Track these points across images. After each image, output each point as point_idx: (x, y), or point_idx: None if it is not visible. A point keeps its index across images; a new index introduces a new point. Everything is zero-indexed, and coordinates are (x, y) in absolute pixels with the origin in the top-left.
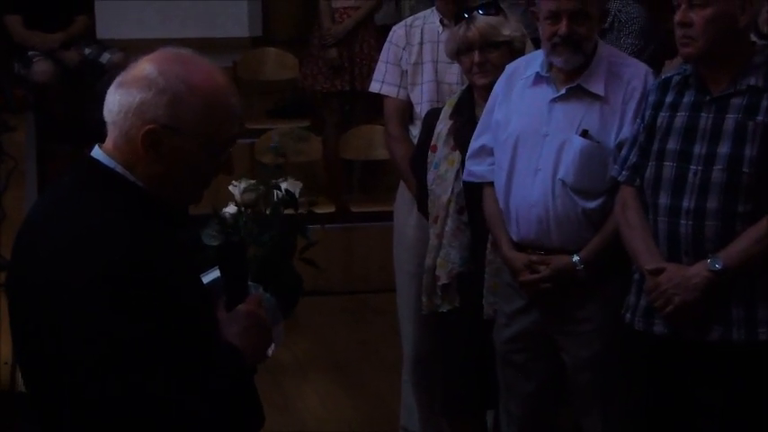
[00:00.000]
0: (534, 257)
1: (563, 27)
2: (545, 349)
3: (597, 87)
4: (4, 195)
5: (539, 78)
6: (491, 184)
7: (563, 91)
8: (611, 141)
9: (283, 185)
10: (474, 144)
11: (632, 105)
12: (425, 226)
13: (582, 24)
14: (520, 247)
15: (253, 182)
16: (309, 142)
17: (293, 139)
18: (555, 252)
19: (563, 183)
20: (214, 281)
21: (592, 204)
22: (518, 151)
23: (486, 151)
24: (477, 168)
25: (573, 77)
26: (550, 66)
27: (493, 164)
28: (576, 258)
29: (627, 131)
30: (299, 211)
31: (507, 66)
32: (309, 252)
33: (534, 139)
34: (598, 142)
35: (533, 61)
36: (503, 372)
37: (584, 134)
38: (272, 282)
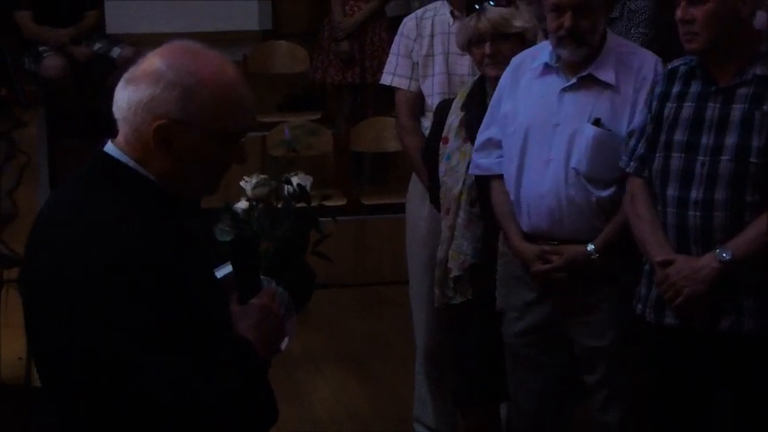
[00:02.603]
0: (546, 248)
1: (567, 20)
2: (557, 342)
3: (608, 76)
4: (16, 190)
5: (547, 68)
6: (499, 177)
7: (574, 80)
8: (623, 130)
9: (294, 180)
10: (481, 137)
11: (643, 94)
12: (438, 217)
13: (586, 17)
14: (530, 238)
15: (264, 176)
16: (320, 135)
17: (305, 132)
18: (566, 242)
19: (576, 172)
20: (227, 275)
21: (604, 193)
22: (528, 142)
23: (493, 144)
24: (484, 161)
25: (582, 67)
26: (558, 56)
27: (500, 157)
28: (590, 248)
29: (638, 120)
30: (312, 205)
31: (513, 58)
32: (321, 244)
33: (545, 129)
34: (610, 130)
35: (541, 52)
36: (513, 366)
37: (597, 123)
38: (284, 276)
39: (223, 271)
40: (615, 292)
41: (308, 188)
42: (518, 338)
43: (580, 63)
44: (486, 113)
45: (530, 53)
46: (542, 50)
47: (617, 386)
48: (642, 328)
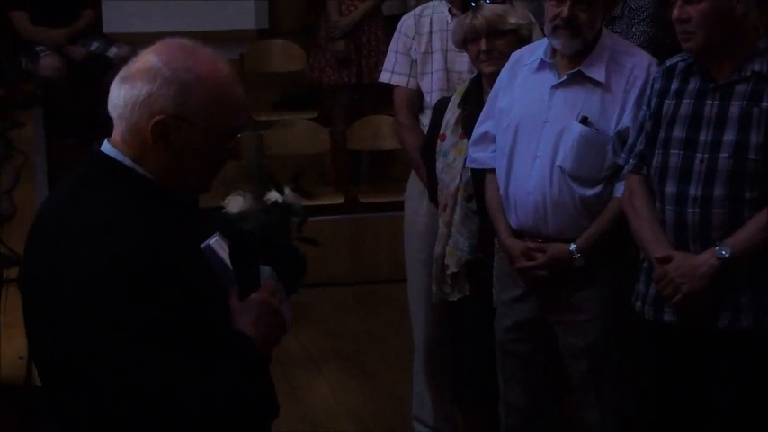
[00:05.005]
0: (531, 245)
1: (565, 10)
2: (544, 338)
3: (598, 74)
4: (14, 190)
5: (542, 64)
6: (493, 171)
7: (564, 77)
8: (611, 129)
9: (281, 196)
10: (477, 130)
11: (633, 94)
12: (436, 214)
13: (585, 10)
14: (518, 234)
15: (245, 193)
16: (317, 134)
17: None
18: (552, 240)
19: (561, 169)
20: (213, 249)
21: (589, 192)
22: (518, 138)
23: (488, 138)
24: (479, 155)
25: (575, 64)
26: (554, 52)
27: (495, 151)
28: (572, 247)
29: (627, 120)
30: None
31: (513, 53)
32: (317, 238)
33: (534, 125)
34: (597, 129)
35: (540, 47)
36: (502, 361)
37: (584, 121)
38: (275, 259)
39: (208, 241)
40: (599, 293)
41: (300, 210)
42: (507, 334)
43: (573, 60)
44: (484, 108)
45: (529, 48)
46: (541, 46)
47: (597, 387)
48: (635, 328)
